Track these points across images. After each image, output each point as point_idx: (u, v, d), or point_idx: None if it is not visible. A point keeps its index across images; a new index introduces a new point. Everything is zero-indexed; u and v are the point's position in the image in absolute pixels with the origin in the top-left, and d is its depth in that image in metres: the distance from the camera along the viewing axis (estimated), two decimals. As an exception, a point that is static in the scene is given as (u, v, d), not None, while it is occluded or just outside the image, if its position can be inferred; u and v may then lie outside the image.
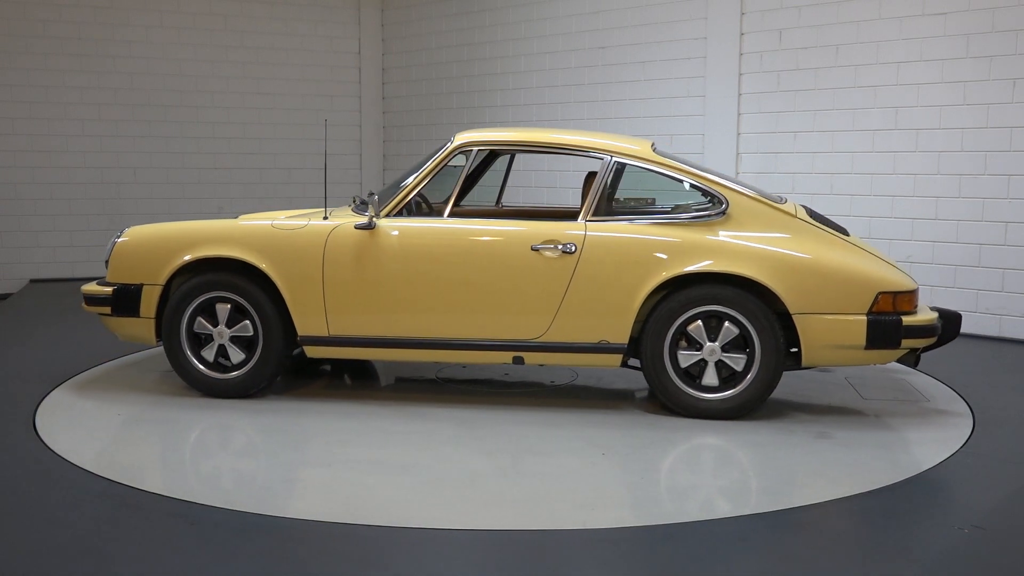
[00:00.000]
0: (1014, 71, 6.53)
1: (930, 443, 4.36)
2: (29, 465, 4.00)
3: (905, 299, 4.57)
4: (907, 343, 4.56)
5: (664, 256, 4.63)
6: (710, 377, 4.66)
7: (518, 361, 4.82)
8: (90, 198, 9.70)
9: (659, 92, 8.43)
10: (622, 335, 4.68)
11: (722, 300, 4.59)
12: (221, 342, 4.96)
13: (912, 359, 4.73)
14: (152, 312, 4.99)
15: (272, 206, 9.92)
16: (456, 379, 5.49)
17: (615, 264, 4.68)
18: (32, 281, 9.45)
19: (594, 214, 4.80)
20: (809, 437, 4.43)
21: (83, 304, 5.15)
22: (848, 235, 4.89)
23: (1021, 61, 6.50)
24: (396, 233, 4.82)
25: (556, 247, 4.69)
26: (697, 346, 4.65)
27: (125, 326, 5.07)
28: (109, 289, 5.03)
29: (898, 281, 4.59)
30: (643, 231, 4.72)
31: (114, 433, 4.45)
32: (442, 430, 4.51)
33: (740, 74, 7.85)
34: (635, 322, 4.70)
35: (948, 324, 4.76)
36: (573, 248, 4.69)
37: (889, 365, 5.51)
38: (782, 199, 5.03)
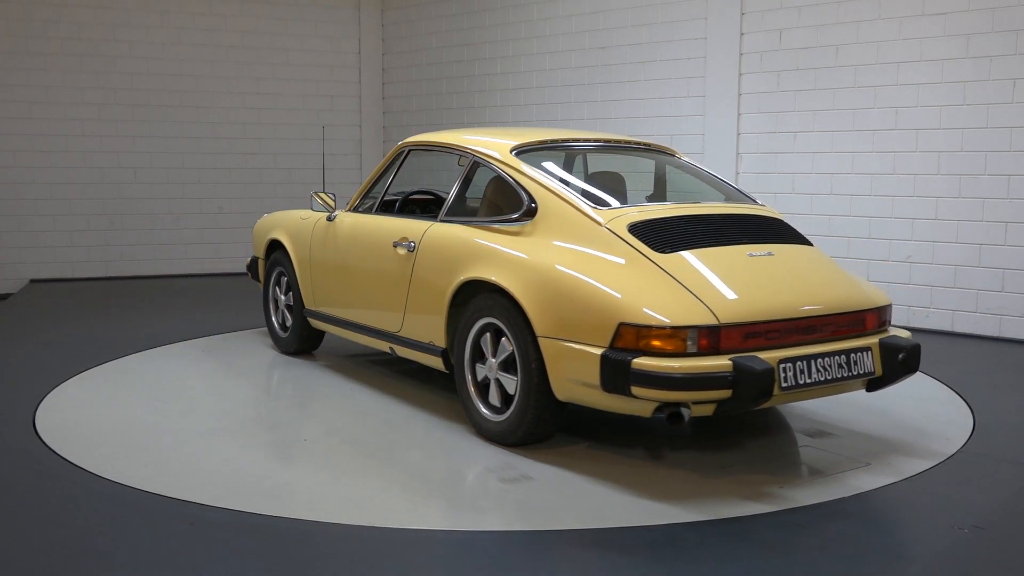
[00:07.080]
0: (1014, 71, 6.53)
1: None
2: (29, 465, 4.00)
3: (657, 336, 3.51)
4: (642, 392, 3.49)
5: (466, 260, 4.32)
6: (493, 395, 4.22)
7: (392, 352, 4.98)
8: (90, 198, 9.71)
9: (659, 92, 8.44)
10: (440, 339, 4.50)
11: (493, 312, 4.13)
12: (282, 308, 6.12)
13: (666, 413, 3.56)
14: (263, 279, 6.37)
15: (272, 206, 9.94)
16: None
17: (434, 266, 4.54)
18: (32, 281, 9.46)
19: (447, 214, 4.69)
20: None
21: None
22: (682, 251, 3.88)
23: (1021, 61, 6.50)
24: (339, 226, 5.44)
25: (404, 245, 4.75)
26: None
27: (259, 286, 6.50)
28: (249, 259, 6.64)
29: (647, 315, 3.55)
30: (462, 233, 4.46)
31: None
32: (447, 434, 4.52)
33: (740, 74, 7.85)
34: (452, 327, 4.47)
35: (742, 380, 3.44)
36: (413, 246, 4.69)
37: (923, 421, 4.80)
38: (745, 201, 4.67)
